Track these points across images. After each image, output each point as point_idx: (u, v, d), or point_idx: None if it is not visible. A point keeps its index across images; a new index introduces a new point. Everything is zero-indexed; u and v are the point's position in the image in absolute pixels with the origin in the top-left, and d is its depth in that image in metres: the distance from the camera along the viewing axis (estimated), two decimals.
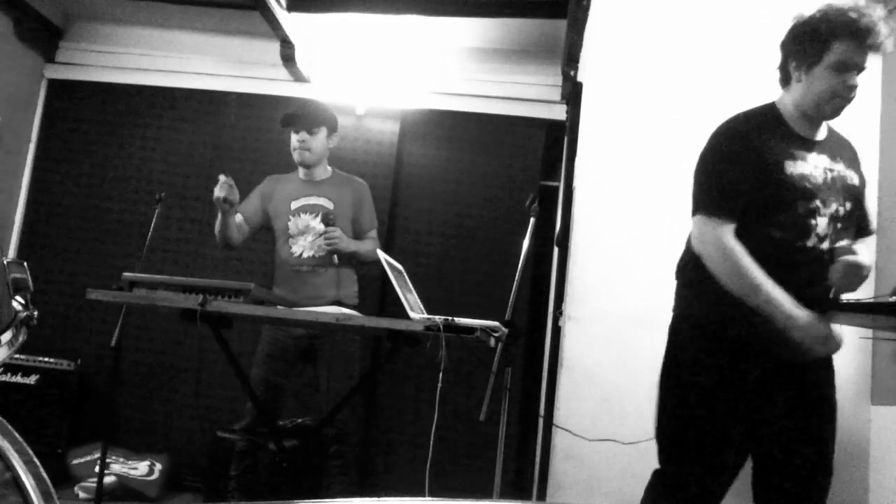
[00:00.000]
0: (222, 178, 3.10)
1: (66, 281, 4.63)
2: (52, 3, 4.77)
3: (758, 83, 3.01)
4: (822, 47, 2.00)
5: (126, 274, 2.69)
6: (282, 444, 3.05)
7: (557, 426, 2.93)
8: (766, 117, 2.10)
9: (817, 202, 2.01)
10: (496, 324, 2.47)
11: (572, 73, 3.99)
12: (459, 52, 4.68)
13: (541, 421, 3.18)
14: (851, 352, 2.93)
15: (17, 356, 3.95)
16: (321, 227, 3.21)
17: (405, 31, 4.54)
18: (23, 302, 1.66)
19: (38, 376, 4.20)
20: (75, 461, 4.08)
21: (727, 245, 1.98)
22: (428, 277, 4.17)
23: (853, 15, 1.95)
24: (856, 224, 2.14)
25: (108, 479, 3.87)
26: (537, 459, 3.28)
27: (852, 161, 2.14)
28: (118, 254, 4.63)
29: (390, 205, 4.60)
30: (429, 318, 2.43)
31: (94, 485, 3.48)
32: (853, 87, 1.99)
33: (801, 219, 2.00)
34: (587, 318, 3.02)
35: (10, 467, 1.27)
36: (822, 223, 2.01)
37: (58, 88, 4.92)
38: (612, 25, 3.21)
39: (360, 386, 3.00)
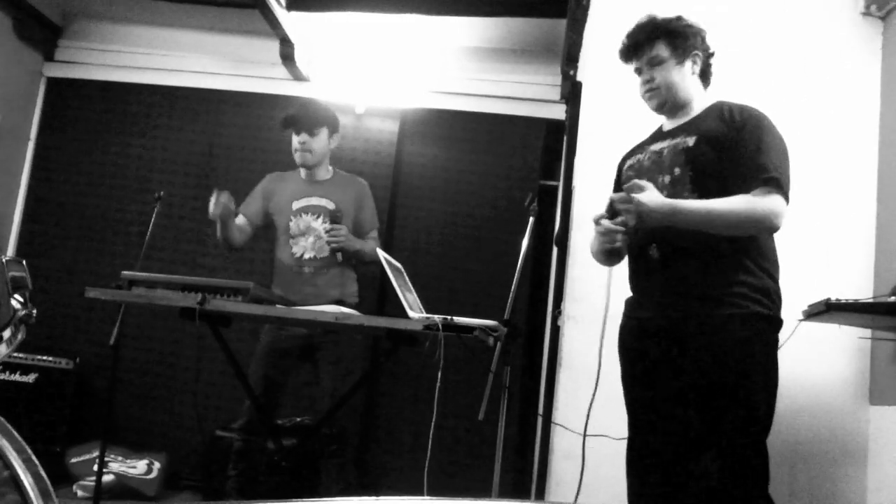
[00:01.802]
0: (215, 194, 3.11)
1: (65, 279, 4.62)
2: (51, 2, 4.77)
3: (755, 83, 3.02)
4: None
5: (125, 272, 2.69)
6: (281, 443, 3.05)
7: (556, 423, 2.93)
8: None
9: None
10: (495, 323, 2.47)
11: (572, 72, 3.99)
12: (459, 51, 4.68)
13: (539, 420, 3.18)
14: (850, 352, 2.93)
15: (15, 355, 3.94)
16: (323, 228, 3.21)
17: (405, 30, 4.54)
18: (21, 300, 1.66)
19: (36, 375, 4.20)
20: (74, 460, 4.07)
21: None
22: (427, 276, 4.17)
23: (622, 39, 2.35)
24: (736, 183, 2.11)
25: (106, 478, 3.87)
26: (536, 458, 3.28)
27: (709, 125, 2.21)
28: (117, 252, 4.63)
29: (389, 204, 4.60)
30: (428, 318, 2.43)
31: (93, 483, 3.48)
32: (644, 83, 2.32)
33: None
34: (586, 318, 3.02)
35: (8, 466, 1.27)
36: None
37: (57, 87, 4.91)
38: (611, 25, 3.20)
39: (360, 385, 3.00)
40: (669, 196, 2.14)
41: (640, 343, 2.24)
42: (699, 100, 2.32)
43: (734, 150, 2.14)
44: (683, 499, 2.16)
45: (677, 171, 2.18)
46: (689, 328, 2.11)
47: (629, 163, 2.37)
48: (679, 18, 2.32)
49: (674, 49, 2.28)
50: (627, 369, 2.29)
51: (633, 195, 2.07)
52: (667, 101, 2.31)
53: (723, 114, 2.23)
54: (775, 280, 2.18)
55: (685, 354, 2.12)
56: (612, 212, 2.17)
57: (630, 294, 2.34)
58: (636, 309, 2.28)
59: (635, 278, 2.30)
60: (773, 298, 2.14)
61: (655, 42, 2.28)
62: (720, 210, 2.06)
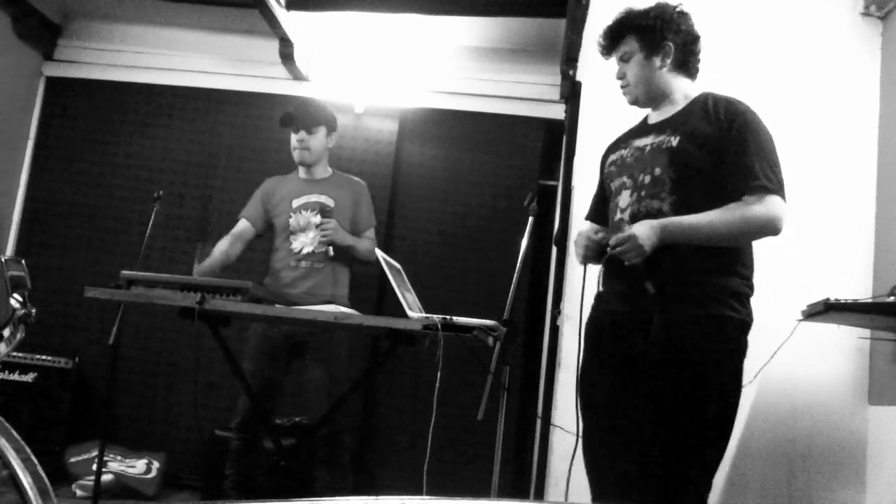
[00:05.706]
0: (199, 247, 3.22)
1: (65, 279, 4.62)
2: (50, 1, 4.77)
3: (755, 83, 3.02)
4: None
5: (124, 272, 2.69)
6: (279, 442, 3.04)
7: (555, 425, 2.93)
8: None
9: (624, 178, 2.18)
10: (494, 323, 2.47)
11: (571, 72, 3.99)
12: (458, 50, 4.67)
13: (538, 419, 3.18)
14: (849, 352, 2.93)
15: (14, 354, 3.94)
16: (315, 222, 3.22)
17: (404, 30, 4.54)
18: (21, 300, 1.66)
19: (35, 374, 4.20)
20: (73, 459, 4.07)
21: None
22: (426, 276, 4.17)
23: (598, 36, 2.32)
24: (722, 185, 2.06)
25: (105, 477, 3.87)
26: (535, 458, 3.28)
27: (694, 123, 2.13)
28: (116, 252, 4.63)
29: (389, 203, 4.60)
30: (427, 317, 2.43)
31: (92, 483, 3.48)
32: (618, 79, 2.28)
33: (614, 198, 2.20)
34: (585, 318, 3.02)
35: (7, 465, 1.27)
36: (624, 196, 2.16)
37: (56, 86, 4.91)
38: None
39: (359, 385, 3.00)
40: (647, 196, 2.08)
41: (607, 335, 2.14)
42: (682, 90, 2.23)
43: (720, 152, 2.06)
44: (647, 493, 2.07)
45: (658, 170, 2.09)
46: (663, 324, 2.00)
47: (612, 158, 2.28)
48: (651, 10, 2.23)
49: (643, 43, 2.20)
50: (593, 361, 2.18)
51: (628, 230, 1.98)
52: (638, 97, 2.25)
53: (707, 109, 2.14)
54: (750, 285, 2.10)
55: (654, 349, 2.01)
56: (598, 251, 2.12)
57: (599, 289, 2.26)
58: (606, 303, 2.18)
59: (607, 270, 2.18)
60: (744, 302, 2.07)
61: (626, 37, 2.24)
62: (716, 222, 2.00)
